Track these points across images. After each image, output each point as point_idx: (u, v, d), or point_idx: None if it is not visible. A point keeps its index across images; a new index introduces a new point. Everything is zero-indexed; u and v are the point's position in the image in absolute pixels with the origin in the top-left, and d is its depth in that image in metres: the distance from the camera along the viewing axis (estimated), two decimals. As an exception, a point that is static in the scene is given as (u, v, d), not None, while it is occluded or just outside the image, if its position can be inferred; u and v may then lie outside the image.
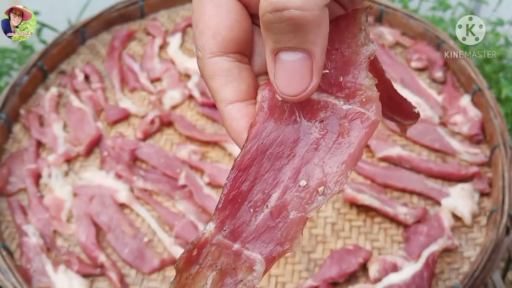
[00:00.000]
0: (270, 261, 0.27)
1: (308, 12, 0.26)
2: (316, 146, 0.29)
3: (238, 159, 0.29)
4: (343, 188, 0.82)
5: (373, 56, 0.30)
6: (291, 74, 0.28)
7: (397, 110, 0.39)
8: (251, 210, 0.28)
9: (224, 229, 0.28)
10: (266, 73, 0.32)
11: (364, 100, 0.28)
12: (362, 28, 0.30)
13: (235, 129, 0.31)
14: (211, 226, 0.28)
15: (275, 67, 0.29)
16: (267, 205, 0.28)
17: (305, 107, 0.29)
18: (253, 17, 0.33)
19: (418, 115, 0.39)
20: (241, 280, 0.27)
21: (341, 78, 0.29)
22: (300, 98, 0.28)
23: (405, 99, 0.39)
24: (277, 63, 0.28)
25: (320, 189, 0.28)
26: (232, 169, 0.29)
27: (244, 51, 0.32)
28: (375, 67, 0.34)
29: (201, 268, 0.28)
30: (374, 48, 0.29)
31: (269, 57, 0.29)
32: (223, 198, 0.29)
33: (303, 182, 0.28)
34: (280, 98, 0.30)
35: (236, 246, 0.28)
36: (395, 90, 0.38)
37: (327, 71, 0.30)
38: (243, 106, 0.31)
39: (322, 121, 0.29)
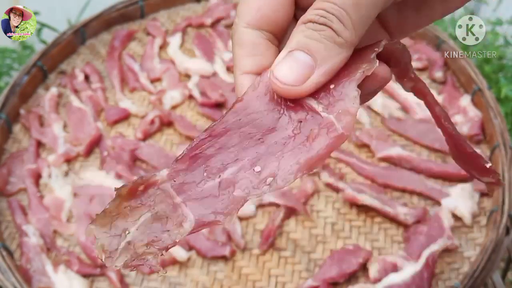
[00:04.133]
0: (199, 225, 0.29)
1: (339, 39, 0.29)
2: (285, 142, 0.30)
3: (214, 125, 0.30)
4: (342, 188, 0.82)
5: (369, 72, 0.30)
6: (294, 67, 0.30)
7: (470, 165, 0.39)
8: (205, 174, 0.29)
9: (175, 180, 0.29)
10: None
11: (340, 111, 0.29)
12: (376, 49, 0.31)
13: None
14: (165, 172, 0.29)
15: (283, 58, 0.30)
16: (219, 175, 0.29)
17: (291, 104, 0.31)
18: (296, 7, 0.34)
19: (493, 172, 0.37)
20: (168, 230, 0.28)
21: (332, 86, 0.30)
22: (283, 88, 0.30)
23: (477, 154, 0.37)
24: (288, 56, 0.30)
25: (269, 179, 0.29)
26: (205, 130, 0.30)
27: (277, 34, 0.33)
28: (436, 116, 0.37)
29: (141, 205, 0.29)
30: (374, 66, 0.30)
31: (284, 51, 0.30)
32: (185, 153, 0.30)
33: (257, 168, 0.29)
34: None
35: (178, 199, 0.29)
36: (466, 145, 0.37)
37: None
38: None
39: (301, 121, 0.30)
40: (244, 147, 0.30)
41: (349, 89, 0.30)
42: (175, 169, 0.30)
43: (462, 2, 0.36)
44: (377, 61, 0.31)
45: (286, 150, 0.30)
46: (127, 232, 0.28)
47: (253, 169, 0.29)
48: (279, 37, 0.34)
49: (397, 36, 0.37)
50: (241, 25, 0.32)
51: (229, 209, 0.29)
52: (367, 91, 0.32)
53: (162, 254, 0.28)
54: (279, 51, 0.33)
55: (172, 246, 0.29)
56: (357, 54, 0.32)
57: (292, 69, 0.30)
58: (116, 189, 0.29)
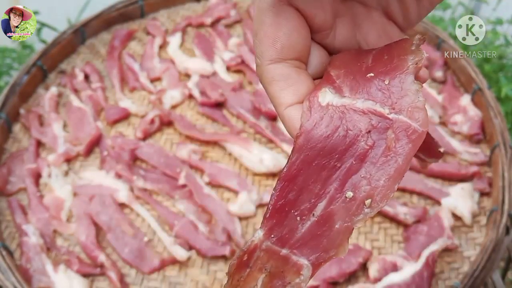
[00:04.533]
0: (316, 266, 0.28)
1: None
2: (363, 158, 0.29)
3: (285, 170, 0.30)
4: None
5: (421, 63, 0.30)
6: None
7: (424, 149, 0.39)
8: (298, 218, 0.29)
9: (272, 236, 0.29)
10: (319, 78, 0.33)
11: (410, 109, 0.28)
12: (414, 42, 0.30)
13: (297, 129, 0.31)
14: (260, 233, 0.29)
15: None
16: (313, 214, 0.29)
17: (351, 117, 0.29)
18: (310, 28, 0.34)
19: (442, 154, 0.40)
20: (289, 283, 0.28)
21: (387, 81, 0.29)
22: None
23: (433, 139, 0.39)
24: None
25: (367, 202, 0.28)
26: (278, 179, 0.30)
27: (301, 58, 0.33)
28: None
29: (251, 271, 0.29)
30: (423, 56, 0.30)
31: None
32: (270, 208, 0.29)
33: (349, 194, 0.28)
34: (324, 104, 0.30)
35: (284, 251, 0.29)
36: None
37: (372, 75, 0.30)
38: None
39: (369, 131, 0.29)
40: (325, 179, 0.29)
41: (408, 83, 0.29)
42: (268, 227, 0.29)
43: None
44: (424, 51, 0.30)
45: (370, 166, 0.28)
46: None
47: (345, 196, 0.28)
48: (304, 60, 0.34)
49: (405, 28, 0.37)
50: (265, 64, 0.32)
51: (338, 241, 0.28)
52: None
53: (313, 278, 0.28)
54: (308, 73, 0.33)
55: None
56: (390, 48, 0.31)
57: None
58: (227, 272, 0.29)
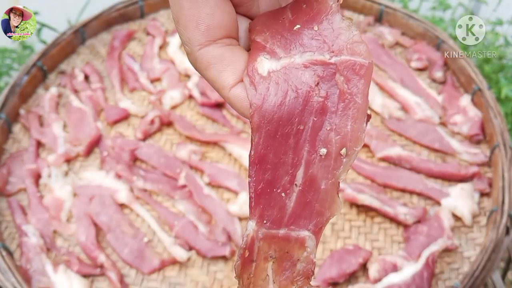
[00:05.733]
0: (317, 233, 0.28)
1: None
2: (322, 111, 0.28)
3: (252, 153, 0.29)
4: (342, 188, 0.82)
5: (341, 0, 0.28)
6: None
7: None
8: (283, 194, 0.28)
9: (265, 221, 0.28)
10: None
11: (349, 46, 0.27)
12: None
13: (247, 106, 0.30)
14: (252, 224, 0.29)
15: None
16: (295, 184, 0.28)
17: (295, 75, 0.28)
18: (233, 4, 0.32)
19: (369, 116, 0.39)
20: (298, 259, 0.28)
21: (316, 28, 0.28)
22: None
23: None
24: None
25: (343, 151, 0.27)
26: (250, 165, 0.29)
27: (231, 34, 0.31)
28: None
29: (257, 264, 0.28)
30: None
31: None
32: (252, 195, 0.29)
33: (323, 151, 0.28)
34: (265, 73, 0.28)
35: (281, 232, 0.28)
36: None
37: (298, 26, 0.28)
38: None
39: (318, 83, 0.28)
40: (293, 147, 0.28)
41: (337, 22, 0.28)
42: (257, 215, 0.29)
43: None
44: None
45: (331, 116, 0.27)
46: None
47: (320, 155, 0.28)
48: (235, 36, 0.32)
49: None
50: (196, 50, 0.30)
51: (329, 201, 0.28)
52: None
53: (311, 278, 0.28)
54: (243, 47, 0.31)
55: (314, 266, 0.28)
56: None
57: None
58: (235, 276, 0.29)
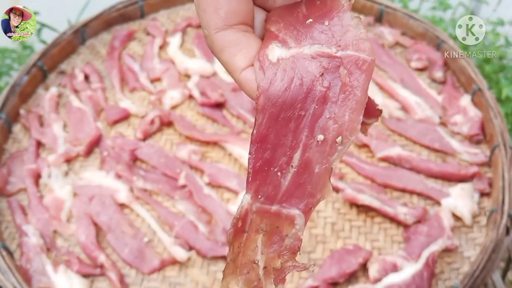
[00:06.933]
0: (307, 212, 0.30)
1: None
2: (323, 100, 0.30)
3: (255, 132, 0.31)
4: (342, 188, 0.82)
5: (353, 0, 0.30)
6: None
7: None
8: (279, 173, 0.30)
9: (259, 196, 0.30)
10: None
11: (355, 43, 0.29)
12: None
13: (255, 89, 0.32)
14: (247, 198, 0.30)
15: None
16: (292, 166, 0.30)
17: (302, 64, 0.30)
18: None
19: (380, 111, 0.40)
20: (287, 235, 0.30)
21: (327, 23, 0.30)
22: None
23: (369, 97, 0.40)
24: None
25: (338, 139, 0.29)
26: (251, 143, 0.31)
27: (247, 22, 0.33)
28: None
29: (248, 234, 0.30)
30: None
31: None
32: (250, 171, 0.31)
33: (320, 137, 0.30)
34: (274, 60, 0.31)
35: (274, 208, 0.30)
36: None
37: (311, 20, 0.31)
38: None
39: (322, 74, 0.30)
40: (293, 130, 0.30)
41: (347, 20, 0.30)
42: (253, 190, 0.30)
43: None
44: None
45: (331, 105, 0.30)
46: (256, 261, 0.30)
47: (317, 141, 0.30)
48: (250, 24, 0.34)
49: None
50: (213, 33, 0.33)
51: (321, 184, 0.30)
52: None
53: (297, 254, 0.30)
54: (257, 35, 0.33)
55: (300, 243, 0.30)
56: None
57: None
58: (227, 242, 0.30)
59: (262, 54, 0.31)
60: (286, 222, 0.30)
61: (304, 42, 0.31)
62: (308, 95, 0.30)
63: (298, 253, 0.30)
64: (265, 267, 0.30)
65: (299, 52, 0.30)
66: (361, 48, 0.29)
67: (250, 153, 0.31)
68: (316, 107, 0.30)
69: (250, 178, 0.31)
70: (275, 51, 0.31)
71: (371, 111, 0.40)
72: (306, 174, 0.30)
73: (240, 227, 0.30)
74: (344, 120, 0.29)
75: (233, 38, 0.32)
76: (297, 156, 0.30)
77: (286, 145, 0.30)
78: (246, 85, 0.32)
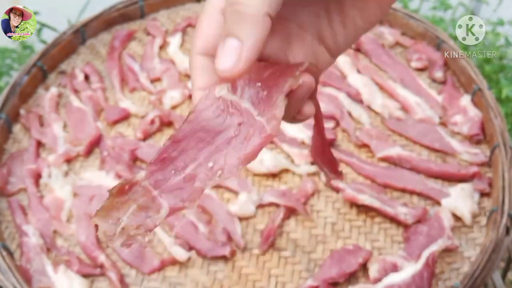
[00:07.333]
0: (172, 210, 0.36)
1: (249, 8, 0.33)
2: (228, 142, 0.37)
3: (175, 133, 0.37)
4: (342, 188, 0.82)
5: (295, 86, 0.36)
6: (226, 54, 0.35)
7: (327, 164, 0.50)
8: (173, 171, 0.37)
9: (151, 179, 0.37)
10: None
11: (270, 116, 0.36)
12: (300, 68, 0.37)
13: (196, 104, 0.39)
14: (143, 174, 0.37)
15: (219, 51, 0.35)
16: (184, 171, 0.37)
17: (232, 111, 0.37)
18: None
19: (342, 175, 0.50)
20: (150, 217, 0.36)
21: (266, 93, 0.37)
22: (227, 74, 0.35)
23: (335, 159, 0.50)
24: (220, 47, 0.35)
25: (218, 172, 0.36)
26: (169, 138, 0.37)
27: None
28: (318, 125, 0.45)
29: (128, 199, 0.36)
30: (298, 82, 0.36)
31: (220, 43, 0.35)
32: (156, 157, 0.37)
33: (210, 164, 0.37)
34: (217, 95, 0.38)
35: (155, 192, 0.36)
36: (329, 149, 0.50)
37: (259, 85, 0.37)
38: None
39: (240, 124, 0.37)
40: (199, 149, 0.37)
41: (279, 99, 0.36)
42: (150, 171, 0.37)
43: (381, 13, 0.40)
44: (301, 78, 0.37)
45: (230, 148, 0.37)
46: (120, 220, 0.36)
47: (207, 165, 0.37)
48: None
49: (335, 53, 0.42)
50: (194, 52, 0.39)
51: (193, 197, 0.36)
52: (297, 98, 0.38)
53: (148, 234, 0.36)
54: None
55: (154, 228, 0.36)
56: (288, 68, 0.38)
57: (227, 55, 0.35)
58: (109, 190, 0.36)
59: (214, 86, 0.38)
60: (155, 208, 0.36)
61: (245, 96, 0.38)
62: (222, 132, 0.37)
63: (147, 234, 0.36)
64: (123, 228, 0.35)
65: (237, 100, 0.37)
66: (271, 123, 0.36)
67: (164, 144, 0.37)
68: (222, 143, 0.37)
69: (153, 161, 0.37)
70: (222, 90, 0.38)
71: (334, 169, 0.50)
72: (188, 184, 0.36)
73: (125, 190, 0.36)
74: (229, 162, 0.36)
75: (205, 64, 0.39)
76: (190, 167, 0.37)
77: (189, 156, 0.37)
78: (194, 100, 0.39)
